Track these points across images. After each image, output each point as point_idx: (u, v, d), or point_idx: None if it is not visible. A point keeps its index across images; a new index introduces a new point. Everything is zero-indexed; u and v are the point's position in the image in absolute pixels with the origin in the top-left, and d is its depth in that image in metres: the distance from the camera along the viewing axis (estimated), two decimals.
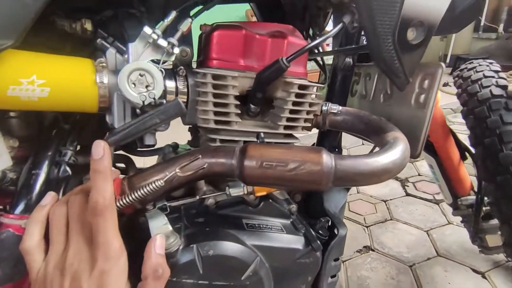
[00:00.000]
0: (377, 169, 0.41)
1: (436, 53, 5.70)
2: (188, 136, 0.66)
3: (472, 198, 0.94)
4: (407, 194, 1.97)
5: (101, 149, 0.35)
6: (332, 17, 0.66)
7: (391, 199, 1.91)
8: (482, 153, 0.73)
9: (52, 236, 0.36)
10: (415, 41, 0.42)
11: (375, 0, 0.39)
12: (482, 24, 5.28)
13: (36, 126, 0.49)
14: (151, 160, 0.53)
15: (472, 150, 0.83)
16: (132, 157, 0.61)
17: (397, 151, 0.43)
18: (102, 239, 0.34)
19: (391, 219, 1.73)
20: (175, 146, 0.57)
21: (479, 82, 0.79)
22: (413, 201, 1.90)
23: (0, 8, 0.32)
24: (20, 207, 0.41)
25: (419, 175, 2.14)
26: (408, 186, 2.05)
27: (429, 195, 1.92)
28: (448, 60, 5.78)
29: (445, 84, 4.51)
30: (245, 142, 0.51)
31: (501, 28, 5.15)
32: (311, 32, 0.69)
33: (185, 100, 0.49)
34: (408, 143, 0.46)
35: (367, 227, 1.67)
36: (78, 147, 0.52)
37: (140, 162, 0.61)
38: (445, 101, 3.36)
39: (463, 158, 0.95)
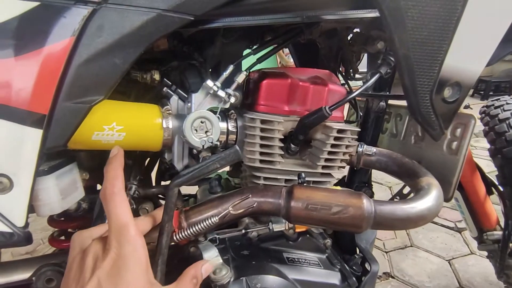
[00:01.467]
0: (413, 215, 0.45)
1: None
2: None
3: (498, 233, 0.95)
4: None
5: (116, 150, 0.39)
6: (368, 61, 0.70)
7: None
8: (510, 192, 0.75)
9: None
10: (451, 99, 0.46)
11: (415, 63, 0.44)
12: None
13: (100, 157, 0.55)
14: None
15: (499, 186, 0.84)
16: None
17: (431, 197, 0.46)
18: (114, 225, 0.34)
19: (411, 246, 1.71)
20: (219, 179, 0.62)
21: (507, 122, 0.81)
22: (434, 228, 1.88)
23: (94, 69, 0.39)
24: None
25: None
26: None
27: (451, 222, 1.89)
28: None
29: (466, 107, 4.45)
30: (286, 180, 0.55)
31: None
32: (342, 69, 0.74)
33: (234, 139, 0.54)
34: (441, 189, 0.49)
35: (386, 252, 1.67)
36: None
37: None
38: None
39: (489, 192, 0.96)
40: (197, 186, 0.71)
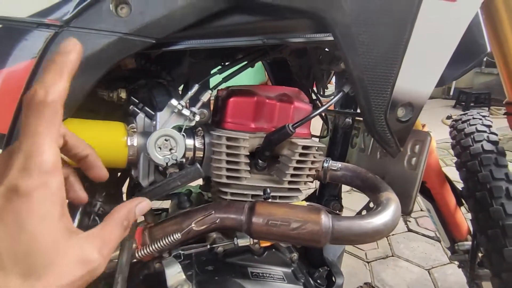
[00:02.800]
0: (370, 230, 0.46)
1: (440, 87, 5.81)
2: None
3: (468, 244, 0.97)
4: (409, 230, 1.98)
5: (71, 45, 0.28)
6: (335, 78, 0.73)
7: (393, 235, 1.92)
8: (474, 205, 0.78)
9: None
10: (404, 118, 0.49)
11: (369, 84, 0.46)
12: (484, 59, 5.42)
13: None
14: None
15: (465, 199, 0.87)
16: None
17: (388, 213, 0.48)
18: (26, 145, 0.24)
19: (392, 256, 1.74)
20: (188, 194, 0.63)
21: (472, 136, 0.85)
22: (414, 237, 1.91)
23: None
24: None
25: (421, 210, 2.16)
26: (410, 221, 2.07)
27: (431, 231, 1.93)
28: (451, 93, 5.89)
29: (448, 117, 4.59)
30: (253, 195, 0.56)
31: None
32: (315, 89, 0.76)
33: (201, 155, 0.55)
34: (399, 205, 0.51)
35: (368, 262, 1.68)
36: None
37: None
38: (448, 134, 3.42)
39: (459, 203, 0.99)
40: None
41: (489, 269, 0.75)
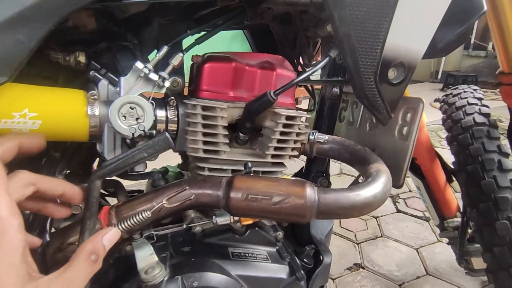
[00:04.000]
0: (358, 203, 0.43)
1: (428, 69, 5.83)
2: (179, 159, 0.67)
3: (458, 220, 0.96)
4: (398, 211, 1.99)
5: None
6: (321, 46, 0.68)
7: (382, 216, 1.92)
8: (465, 179, 0.75)
9: None
10: (395, 80, 0.44)
11: (357, 41, 0.41)
12: (472, 42, 5.44)
13: None
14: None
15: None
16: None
17: (378, 185, 0.45)
18: None
19: (381, 236, 1.74)
20: (164, 172, 0.58)
21: (463, 109, 0.82)
22: (403, 218, 1.92)
23: None
24: None
25: (410, 191, 2.16)
26: (399, 202, 2.07)
27: (420, 212, 1.94)
28: (439, 76, 5.92)
29: (437, 100, 4.62)
30: (233, 171, 0.52)
31: (490, 46, 5.30)
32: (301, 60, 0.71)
33: (175, 128, 0.50)
34: (390, 176, 0.48)
35: (357, 244, 1.68)
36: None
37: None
38: (437, 116, 3.44)
39: (449, 180, 0.97)
40: None
41: (480, 244, 0.73)
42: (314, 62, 0.71)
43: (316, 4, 0.55)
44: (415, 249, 1.63)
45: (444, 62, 5.54)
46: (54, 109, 0.40)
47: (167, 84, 0.44)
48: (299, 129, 0.55)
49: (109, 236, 0.34)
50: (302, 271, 0.49)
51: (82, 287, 0.29)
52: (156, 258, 0.42)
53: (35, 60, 0.43)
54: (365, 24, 0.40)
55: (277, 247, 0.53)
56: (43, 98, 0.40)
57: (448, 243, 1.06)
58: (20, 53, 0.35)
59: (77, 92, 0.43)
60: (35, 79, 0.43)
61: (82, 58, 0.44)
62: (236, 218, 0.49)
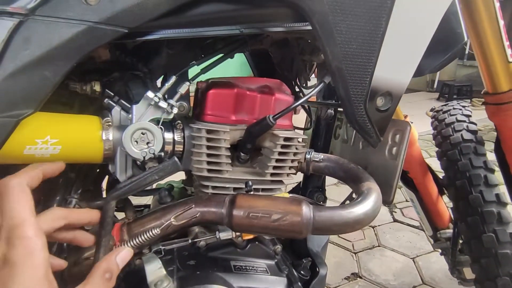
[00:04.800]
0: (351, 220, 0.46)
1: (424, 79, 5.92)
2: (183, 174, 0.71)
3: (450, 231, 1.00)
4: (395, 220, 2.02)
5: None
6: (317, 69, 0.72)
7: (379, 225, 1.96)
8: (454, 193, 0.79)
9: None
10: (383, 108, 0.49)
11: (348, 74, 0.46)
12: (466, 52, 5.54)
13: None
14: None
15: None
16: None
17: (369, 203, 0.49)
18: (7, 223, 0.29)
19: (378, 246, 1.77)
20: (169, 189, 0.62)
21: (452, 126, 0.86)
22: (400, 227, 1.95)
23: (21, 82, 0.38)
24: None
25: (406, 201, 2.20)
26: (395, 212, 2.11)
27: (416, 221, 1.97)
28: (435, 86, 6.01)
29: (432, 110, 4.69)
30: (235, 188, 0.56)
31: None
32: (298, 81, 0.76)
33: (181, 149, 0.54)
34: (380, 194, 0.52)
35: (355, 253, 1.71)
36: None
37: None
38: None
39: (441, 193, 1.01)
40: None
41: (469, 255, 0.77)
42: (310, 82, 0.75)
43: (311, 33, 0.60)
44: (411, 258, 1.66)
45: (440, 72, 5.63)
46: (73, 135, 0.44)
47: (175, 110, 0.49)
48: (296, 149, 0.59)
49: (122, 255, 0.37)
50: (299, 283, 0.52)
51: None
52: (164, 272, 0.46)
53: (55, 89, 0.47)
54: (355, 59, 0.44)
55: (276, 260, 0.56)
56: (62, 125, 0.44)
57: (441, 254, 1.10)
58: (46, 88, 0.39)
59: (93, 119, 0.47)
60: (53, 105, 0.47)
61: (97, 87, 0.48)
62: (238, 233, 0.53)
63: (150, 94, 0.47)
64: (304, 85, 0.74)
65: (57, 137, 0.43)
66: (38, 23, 0.37)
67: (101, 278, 0.33)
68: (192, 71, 0.55)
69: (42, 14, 0.37)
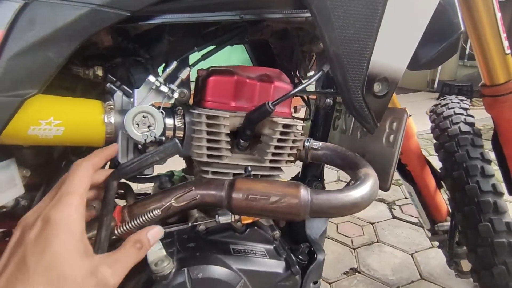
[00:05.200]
0: (348, 203, 0.47)
1: (424, 79, 5.93)
2: (183, 163, 0.72)
3: (447, 224, 1.01)
4: (394, 217, 2.02)
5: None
6: (316, 60, 0.73)
7: (378, 222, 1.96)
8: (451, 184, 0.80)
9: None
10: (380, 93, 0.50)
11: (345, 59, 0.47)
12: (467, 52, 5.55)
13: (45, 155, 0.55)
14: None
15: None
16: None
17: (366, 187, 0.49)
18: (61, 191, 0.33)
19: (377, 242, 1.78)
20: (170, 175, 0.63)
21: (450, 119, 0.87)
22: (399, 224, 1.95)
23: (26, 62, 0.39)
24: None
25: (405, 198, 2.21)
26: (394, 209, 2.11)
27: (415, 218, 1.97)
28: (435, 85, 6.01)
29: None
30: (234, 174, 0.57)
31: None
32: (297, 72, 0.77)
33: (182, 135, 0.55)
34: (377, 179, 0.53)
35: (354, 249, 1.72)
36: None
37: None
38: None
39: (439, 186, 1.02)
40: None
41: (465, 245, 0.78)
42: (311, 73, 0.76)
43: (311, 22, 0.61)
44: (410, 254, 1.66)
45: (440, 72, 5.64)
46: (76, 118, 0.45)
47: (175, 95, 0.50)
48: (295, 136, 0.60)
49: (153, 232, 0.39)
50: (297, 267, 0.53)
51: (126, 268, 0.34)
52: (164, 253, 0.46)
53: (58, 73, 0.48)
54: (352, 44, 0.45)
55: (274, 245, 0.57)
56: (66, 107, 0.45)
57: (438, 246, 1.11)
58: (49, 69, 0.40)
59: (95, 102, 0.48)
60: (57, 89, 0.48)
61: (100, 72, 0.49)
62: (237, 217, 0.54)
63: (151, 78, 0.48)
64: (303, 76, 0.75)
65: (60, 118, 0.44)
66: (43, 5, 0.38)
67: (132, 246, 0.36)
68: (193, 58, 0.56)
69: None
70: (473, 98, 5.12)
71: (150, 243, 0.38)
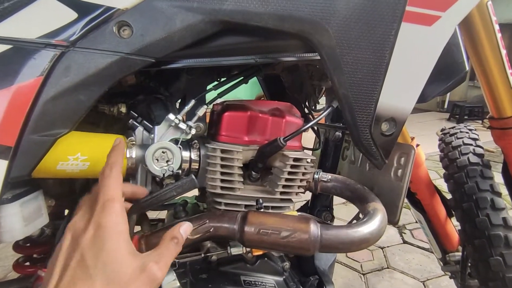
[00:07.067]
0: (356, 239, 0.49)
1: (435, 99, 5.92)
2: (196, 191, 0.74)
3: (459, 254, 0.99)
4: (404, 242, 1.99)
5: (118, 141, 0.44)
6: (325, 93, 0.76)
7: (388, 246, 1.93)
8: (461, 216, 0.80)
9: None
10: (388, 132, 0.52)
11: (354, 101, 0.49)
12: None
13: (68, 185, 0.58)
14: None
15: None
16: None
17: (374, 223, 0.51)
18: (101, 198, 0.37)
19: (387, 267, 1.74)
20: (184, 204, 0.65)
21: (459, 149, 0.88)
22: (410, 249, 1.92)
23: (60, 105, 0.42)
24: None
25: (416, 222, 2.17)
26: (405, 233, 2.08)
27: (426, 243, 1.93)
28: (446, 106, 5.99)
29: (443, 130, 4.66)
30: (246, 205, 0.59)
31: None
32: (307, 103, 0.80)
33: (197, 167, 0.58)
34: (385, 215, 0.54)
35: (363, 274, 1.69)
36: None
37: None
38: None
39: (450, 215, 1.01)
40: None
41: (477, 278, 0.77)
42: (319, 105, 0.79)
43: (319, 61, 0.64)
44: (421, 281, 1.63)
45: (450, 93, 5.63)
46: (100, 153, 0.48)
47: (193, 131, 0.53)
48: (305, 169, 0.62)
49: (184, 228, 0.43)
50: None
51: (168, 262, 0.38)
52: (178, 284, 0.48)
53: None
54: (360, 87, 0.48)
55: (284, 277, 0.58)
56: (92, 143, 0.48)
57: (450, 277, 1.08)
58: (80, 111, 0.44)
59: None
60: (82, 124, 0.51)
61: (123, 109, 0.53)
62: (248, 249, 0.55)
63: (171, 116, 0.51)
64: (313, 107, 0.78)
65: (86, 154, 0.47)
66: (77, 53, 0.42)
67: (170, 242, 0.40)
68: (209, 95, 0.60)
69: (82, 46, 0.42)
70: (484, 119, 5.09)
71: (183, 239, 0.41)
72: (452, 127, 1.02)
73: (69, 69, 0.42)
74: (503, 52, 0.70)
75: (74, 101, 0.43)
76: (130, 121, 0.53)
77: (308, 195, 0.81)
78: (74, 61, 0.42)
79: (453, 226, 1.04)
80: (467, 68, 0.63)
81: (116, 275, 0.33)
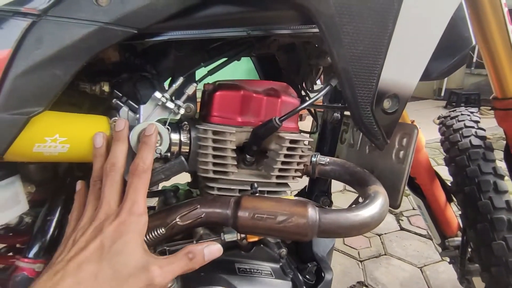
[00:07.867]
0: (357, 223, 0.46)
1: (431, 87, 5.90)
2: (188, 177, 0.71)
3: (458, 239, 0.98)
4: (402, 229, 1.99)
5: (152, 129, 0.43)
6: (323, 73, 0.73)
7: (385, 233, 1.93)
8: (463, 200, 0.78)
9: (88, 199, 0.42)
10: (390, 110, 0.48)
11: (354, 76, 0.46)
12: (474, 60, 5.51)
13: (50, 171, 0.54)
14: None
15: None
16: None
17: (375, 206, 0.48)
18: (131, 196, 0.38)
19: (385, 254, 1.74)
20: (175, 190, 0.62)
21: (460, 132, 0.85)
22: (407, 236, 1.92)
23: (33, 80, 0.38)
24: (34, 250, 0.45)
25: (413, 209, 2.17)
26: (402, 220, 2.08)
27: (423, 230, 1.94)
28: (442, 94, 5.98)
29: (440, 118, 4.64)
30: (240, 190, 0.56)
31: None
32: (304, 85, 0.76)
33: (187, 150, 0.54)
34: (387, 198, 0.51)
35: (361, 261, 1.68)
36: None
37: None
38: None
39: (450, 200, 0.99)
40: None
41: (478, 263, 0.75)
42: (316, 86, 0.75)
43: (318, 37, 0.60)
44: (418, 267, 1.63)
45: (447, 80, 5.61)
46: (81, 134, 0.45)
47: (181, 111, 0.49)
48: (302, 151, 0.59)
49: (212, 249, 0.41)
50: (305, 287, 0.51)
51: (173, 273, 0.38)
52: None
53: (65, 89, 0.48)
54: (361, 61, 0.44)
55: (280, 264, 0.56)
56: (71, 124, 0.45)
57: (449, 262, 1.07)
58: (56, 86, 0.40)
59: (101, 118, 0.48)
60: (63, 105, 0.47)
61: (106, 88, 0.49)
62: (243, 235, 0.52)
63: (157, 94, 0.47)
64: (310, 89, 0.74)
65: (65, 135, 0.43)
66: (50, 23, 0.38)
67: (184, 255, 0.39)
68: (199, 73, 0.56)
69: (54, 15, 0.38)
70: (481, 106, 5.07)
71: (204, 259, 0.40)
72: (453, 110, 0.99)
73: (41, 40, 0.38)
74: (510, 28, 0.67)
75: (48, 76, 0.39)
76: (113, 101, 0.49)
77: (305, 181, 0.79)
78: (47, 31, 0.38)
79: (453, 211, 1.03)
80: (474, 42, 0.59)
81: (121, 266, 0.35)
